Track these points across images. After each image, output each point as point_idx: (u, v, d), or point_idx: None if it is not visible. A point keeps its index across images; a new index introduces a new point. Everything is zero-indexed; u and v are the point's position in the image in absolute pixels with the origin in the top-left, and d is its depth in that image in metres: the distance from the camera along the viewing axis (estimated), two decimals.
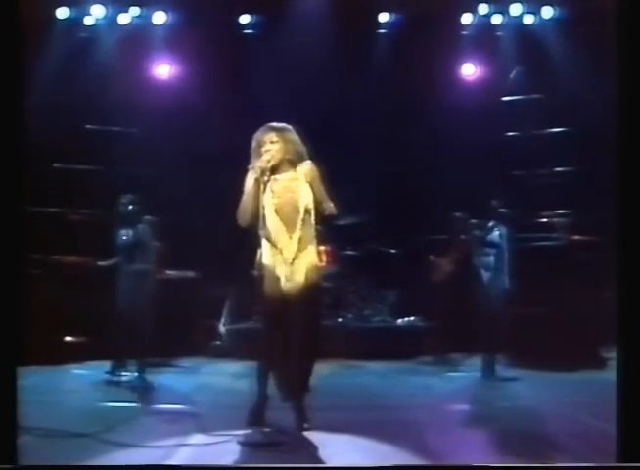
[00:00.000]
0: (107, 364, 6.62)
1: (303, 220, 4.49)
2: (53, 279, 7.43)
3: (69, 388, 6.31)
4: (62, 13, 8.49)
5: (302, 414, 4.59)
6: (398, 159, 8.70)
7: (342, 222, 8.59)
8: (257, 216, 4.48)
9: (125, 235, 6.54)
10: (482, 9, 8.79)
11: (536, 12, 8.78)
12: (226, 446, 4.28)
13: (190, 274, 7.90)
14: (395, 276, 8.37)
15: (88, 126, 8.41)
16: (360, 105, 8.73)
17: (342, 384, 6.52)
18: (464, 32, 8.88)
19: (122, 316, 6.41)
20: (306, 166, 4.60)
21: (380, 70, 8.79)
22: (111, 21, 8.65)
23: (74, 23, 8.57)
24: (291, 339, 4.43)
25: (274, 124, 4.61)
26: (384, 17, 8.91)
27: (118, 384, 6.38)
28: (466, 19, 8.82)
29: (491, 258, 6.70)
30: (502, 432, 4.66)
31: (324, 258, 8.08)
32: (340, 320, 8.35)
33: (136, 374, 6.45)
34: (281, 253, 4.47)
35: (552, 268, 7.11)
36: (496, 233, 6.76)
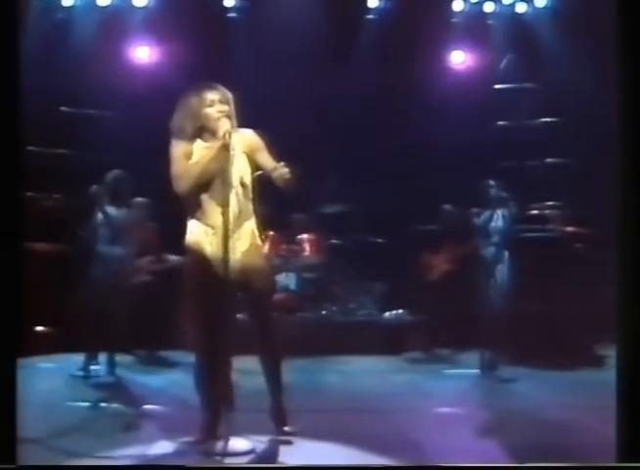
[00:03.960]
0: (74, 357, 5.90)
1: (237, 195, 3.68)
2: (19, 265, 6.69)
3: (29, 383, 5.56)
4: None
5: (281, 417, 3.84)
6: (387, 146, 8.08)
7: (327, 210, 8.07)
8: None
9: (107, 216, 5.82)
10: None
11: (529, 0, 8.21)
12: (191, 456, 3.58)
13: (174, 260, 7.15)
14: (383, 267, 7.67)
15: (63, 108, 7.67)
16: (348, 92, 8.07)
17: (325, 382, 5.84)
18: (455, 20, 8.28)
19: (96, 304, 5.68)
20: (245, 135, 3.80)
21: (368, 57, 8.16)
22: (89, 2, 7.94)
23: (51, 3, 7.84)
24: (234, 333, 3.60)
25: (213, 83, 3.81)
26: (373, 2, 8.31)
27: (86, 380, 5.65)
28: (457, 5, 8.23)
29: (495, 248, 6.00)
30: (500, 438, 4.00)
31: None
32: (323, 313, 7.66)
33: (106, 369, 5.74)
34: (212, 232, 3.66)
35: (548, 261, 6.44)
36: (499, 219, 6.07)
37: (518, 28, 8.17)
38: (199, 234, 3.70)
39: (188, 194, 3.71)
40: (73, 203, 6.42)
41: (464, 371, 6.12)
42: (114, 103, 7.73)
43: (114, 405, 4.87)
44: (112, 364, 5.80)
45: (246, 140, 3.79)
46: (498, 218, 6.09)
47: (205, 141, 3.76)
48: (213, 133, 3.71)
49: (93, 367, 5.77)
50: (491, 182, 6.09)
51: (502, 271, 5.98)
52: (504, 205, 6.09)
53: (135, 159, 7.35)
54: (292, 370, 5.74)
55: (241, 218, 3.70)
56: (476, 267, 6.13)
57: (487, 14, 8.29)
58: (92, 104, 7.77)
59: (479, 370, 5.95)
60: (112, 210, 5.87)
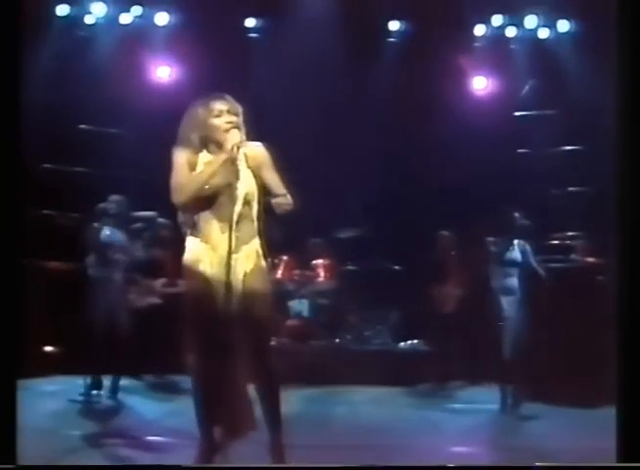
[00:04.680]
0: (77, 380, 5.70)
1: (241, 212, 3.41)
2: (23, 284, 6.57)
3: (28, 407, 5.41)
4: (62, 10, 7.75)
5: (280, 457, 3.45)
6: (406, 172, 7.89)
7: (342, 235, 7.88)
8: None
9: (110, 237, 5.67)
10: (496, 21, 8.02)
11: (552, 25, 8.00)
12: None
13: (178, 282, 6.98)
14: (399, 295, 7.39)
15: (82, 126, 7.59)
16: (367, 115, 7.94)
17: (336, 414, 5.59)
18: (477, 44, 8.11)
19: (99, 327, 5.50)
20: (253, 149, 3.51)
21: (388, 81, 8.01)
22: (112, 20, 7.91)
23: (74, 21, 7.82)
24: (236, 362, 3.35)
25: (221, 94, 3.55)
26: (394, 25, 8.15)
27: (86, 405, 5.44)
28: (479, 30, 8.05)
29: (511, 280, 5.72)
30: None
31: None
32: (337, 341, 7.41)
33: (108, 393, 5.56)
34: (213, 251, 3.39)
35: (566, 292, 6.19)
36: (518, 248, 5.79)
37: (540, 54, 7.98)
38: (198, 253, 3.43)
39: (186, 207, 3.44)
40: (83, 221, 6.26)
41: (481, 406, 5.83)
42: (134, 121, 7.62)
43: (111, 433, 4.68)
44: (114, 389, 5.62)
45: (252, 154, 3.51)
46: (517, 247, 5.81)
47: (210, 153, 3.49)
48: (220, 145, 3.44)
49: (94, 392, 5.58)
50: (512, 211, 5.87)
51: (520, 302, 5.70)
52: (524, 233, 5.84)
53: (155, 177, 7.25)
54: (301, 400, 5.60)
55: (244, 238, 3.43)
56: (490, 296, 5.85)
57: (510, 39, 8.11)
58: (112, 121, 7.71)
59: (499, 406, 5.66)
60: (120, 230, 5.74)
